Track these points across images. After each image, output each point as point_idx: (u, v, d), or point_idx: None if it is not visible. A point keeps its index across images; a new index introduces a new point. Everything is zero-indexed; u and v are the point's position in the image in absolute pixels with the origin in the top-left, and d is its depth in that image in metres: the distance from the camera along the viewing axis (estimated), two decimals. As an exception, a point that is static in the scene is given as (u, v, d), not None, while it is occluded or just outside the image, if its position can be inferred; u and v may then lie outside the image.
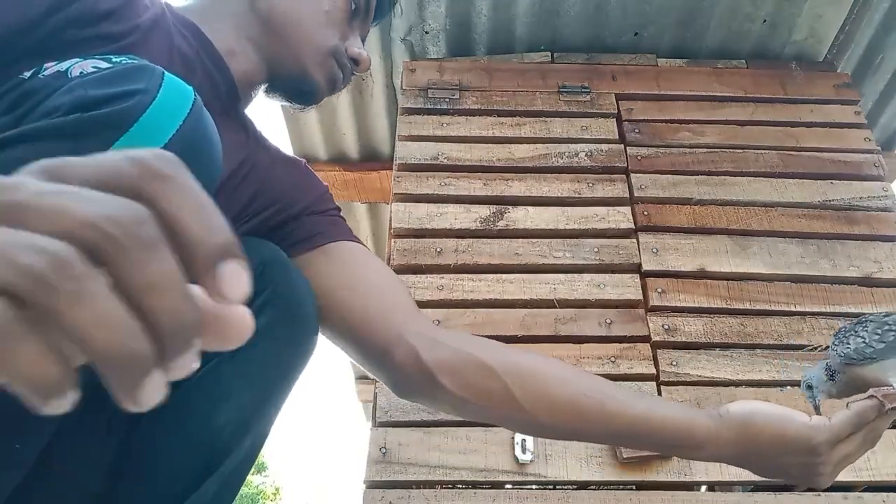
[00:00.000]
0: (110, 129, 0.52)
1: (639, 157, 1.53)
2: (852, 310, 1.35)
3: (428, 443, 1.15)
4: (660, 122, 1.61)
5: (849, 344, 0.74)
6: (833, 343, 0.76)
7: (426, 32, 1.78)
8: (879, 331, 0.72)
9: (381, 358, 0.77)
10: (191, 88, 0.57)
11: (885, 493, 1.14)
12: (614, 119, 1.61)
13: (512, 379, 0.73)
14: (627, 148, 1.55)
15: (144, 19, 0.69)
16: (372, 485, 1.12)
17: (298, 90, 0.86)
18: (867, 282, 1.39)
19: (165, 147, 0.52)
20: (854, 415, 0.68)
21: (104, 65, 0.57)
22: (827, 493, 1.14)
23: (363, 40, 0.89)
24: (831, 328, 1.32)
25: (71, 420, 0.63)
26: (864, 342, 0.72)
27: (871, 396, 0.67)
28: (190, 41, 0.77)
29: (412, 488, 1.14)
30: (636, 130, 1.58)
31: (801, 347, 1.30)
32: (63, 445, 0.63)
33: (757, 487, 1.19)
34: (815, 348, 1.29)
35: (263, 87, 0.87)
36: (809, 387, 0.80)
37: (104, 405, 0.64)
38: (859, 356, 0.72)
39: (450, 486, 1.20)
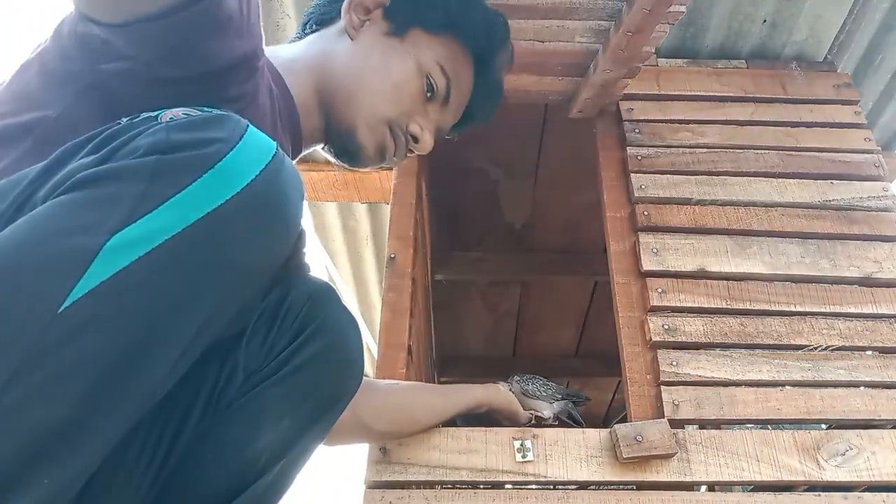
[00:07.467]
0: (185, 173, 0.51)
1: (639, 157, 1.53)
2: (852, 310, 1.35)
3: (428, 443, 1.15)
4: (660, 122, 1.61)
5: (527, 386, 1.33)
6: (516, 380, 1.34)
7: (426, 32, 1.77)
8: (541, 386, 1.34)
9: None
10: (273, 143, 0.56)
11: (885, 493, 1.14)
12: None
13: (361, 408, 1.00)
14: (628, 148, 1.55)
15: (251, 84, 0.71)
16: (372, 485, 1.12)
17: (344, 148, 0.89)
18: (867, 282, 1.39)
19: (236, 196, 0.51)
20: (524, 416, 1.27)
21: (195, 113, 0.56)
22: (827, 494, 1.14)
23: (452, 128, 0.98)
24: (831, 328, 1.32)
25: (116, 455, 0.62)
26: (533, 388, 1.33)
27: (530, 411, 1.29)
28: (276, 99, 0.80)
29: (412, 488, 1.14)
30: (636, 130, 1.58)
31: (801, 347, 1.30)
32: (111, 479, 0.62)
33: (757, 488, 1.19)
34: (815, 348, 1.29)
35: (321, 144, 0.93)
36: None
37: (157, 437, 0.64)
38: (528, 395, 1.32)
39: (450, 486, 1.20)
